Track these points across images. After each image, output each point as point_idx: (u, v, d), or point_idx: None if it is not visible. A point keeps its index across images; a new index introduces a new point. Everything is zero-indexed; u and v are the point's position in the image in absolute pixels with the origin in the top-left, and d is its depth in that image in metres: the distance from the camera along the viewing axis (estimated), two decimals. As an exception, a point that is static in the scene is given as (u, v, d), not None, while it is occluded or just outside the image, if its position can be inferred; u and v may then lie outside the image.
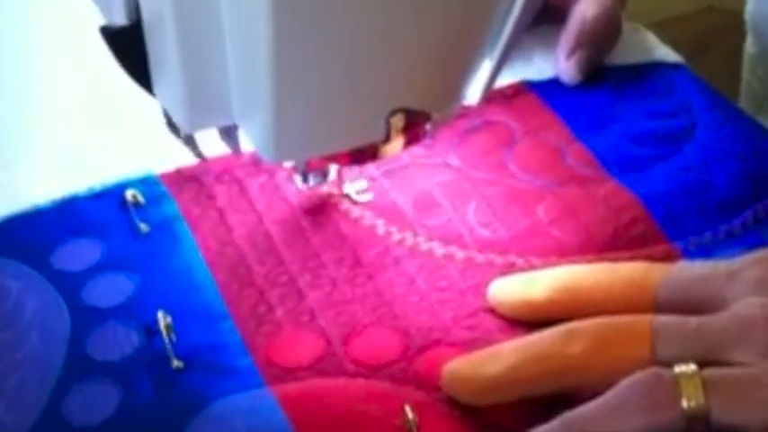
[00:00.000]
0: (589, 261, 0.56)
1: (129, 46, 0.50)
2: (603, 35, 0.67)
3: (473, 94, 0.55)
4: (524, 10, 0.50)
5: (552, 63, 0.68)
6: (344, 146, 0.53)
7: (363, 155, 0.54)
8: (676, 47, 0.71)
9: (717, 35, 1.55)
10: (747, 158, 0.61)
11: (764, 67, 0.85)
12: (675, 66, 0.69)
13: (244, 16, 0.46)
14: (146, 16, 0.49)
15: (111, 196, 0.60)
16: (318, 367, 0.52)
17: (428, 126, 0.53)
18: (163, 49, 0.49)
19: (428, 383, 0.51)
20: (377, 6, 0.46)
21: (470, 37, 0.51)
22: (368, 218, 0.59)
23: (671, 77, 0.67)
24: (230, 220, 0.59)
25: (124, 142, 0.64)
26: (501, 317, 0.54)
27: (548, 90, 0.66)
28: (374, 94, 0.50)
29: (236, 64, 0.48)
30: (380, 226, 0.59)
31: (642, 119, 0.64)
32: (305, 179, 0.58)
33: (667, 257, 0.56)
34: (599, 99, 0.66)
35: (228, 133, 0.54)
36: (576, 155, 0.62)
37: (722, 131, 0.62)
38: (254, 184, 0.61)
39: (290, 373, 0.52)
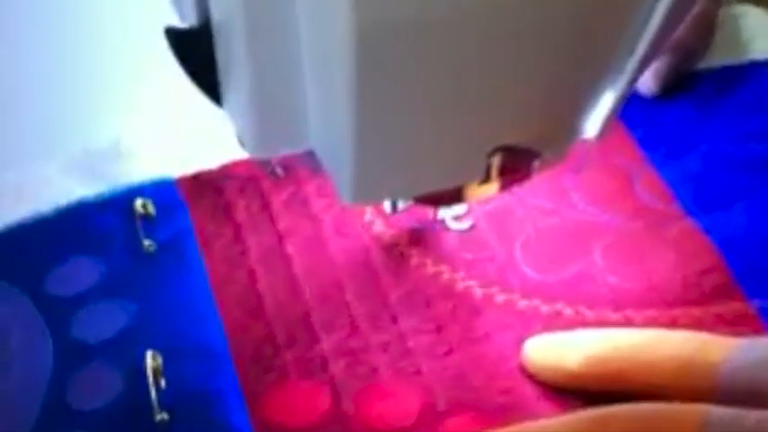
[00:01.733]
0: (648, 318, 0.48)
1: (194, 51, 0.43)
2: (693, 41, 0.59)
3: (591, 127, 0.46)
4: (658, 35, 0.41)
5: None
6: (434, 187, 0.46)
7: (441, 196, 0.47)
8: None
9: None
10: None
11: None
12: None
13: (323, 43, 0.38)
14: (215, 16, 0.42)
15: (120, 204, 0.54)
16: (323, 428, 0.45)
17: (536, 164, 0.46)
18: (232, 58, 0.42)
19: (445, 458, 0.44)
20: (474, 40, 0.38)
21: (589, 69, 0.43)
22: (401, 246, 0.52)
23: None
24: (247, 240, 0.52)
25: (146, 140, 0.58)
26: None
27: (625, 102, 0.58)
28: (471, 133, 0.43)
29: (315, 89, 0.41)
30: (414, 256, 0.51)
31: (730, 141, 0.56)
32: (394, 207, 0.51)
33: (740, 318, 0.48)
34: (680, 115, 0.58)
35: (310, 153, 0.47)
36: (648, 184, 0.54)
37: None
38: (278, 199, 0.54)
39: (289, 434, 0.45)
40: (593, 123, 0.46)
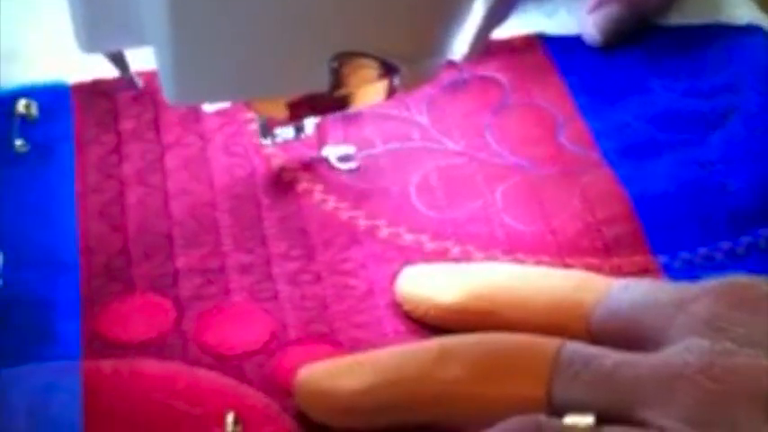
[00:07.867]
0: (539, 263, 0.44)
1: None
2: None
3: (459, 48, 0.43)
4: None
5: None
6: (267, 93, 0.42)
7: (321, 103, 0.43)
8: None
9: None
10: None
11: None
12: (745, 30, 0.54)
13: None
14: None
15: (5, 104, 0.50)
16: (157, 346, 0.41)
17: (396, 81, 0.42)
18: None
19: (282, 388, 0.40)
20: None
21: None
22: (291, 170, 0.48)
23: (731, 46, 0.53)
24: (128, 150, 0.49)
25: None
26: (407, 317, 0.42)
27: (563, 48, 0.53)
28: (308, 33, 0.39)
29: None
30: (303, 182, 0.47)
31: (669, 96, 0.51)
32: (264, 134, 0.47)
33: (641, 272, 0.44)
34: (620, 66, 0.53)
35: None
36: (572, 131, 0.50)
37: (765, 118, 0.49)
38: (173, 113, 0.50)
39: (119, 348, 0.41)
40: (460, 44, 0.43)
